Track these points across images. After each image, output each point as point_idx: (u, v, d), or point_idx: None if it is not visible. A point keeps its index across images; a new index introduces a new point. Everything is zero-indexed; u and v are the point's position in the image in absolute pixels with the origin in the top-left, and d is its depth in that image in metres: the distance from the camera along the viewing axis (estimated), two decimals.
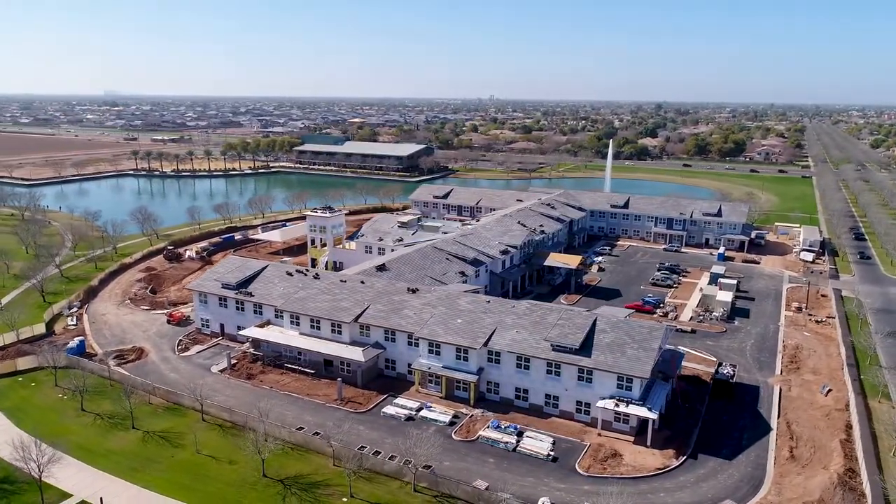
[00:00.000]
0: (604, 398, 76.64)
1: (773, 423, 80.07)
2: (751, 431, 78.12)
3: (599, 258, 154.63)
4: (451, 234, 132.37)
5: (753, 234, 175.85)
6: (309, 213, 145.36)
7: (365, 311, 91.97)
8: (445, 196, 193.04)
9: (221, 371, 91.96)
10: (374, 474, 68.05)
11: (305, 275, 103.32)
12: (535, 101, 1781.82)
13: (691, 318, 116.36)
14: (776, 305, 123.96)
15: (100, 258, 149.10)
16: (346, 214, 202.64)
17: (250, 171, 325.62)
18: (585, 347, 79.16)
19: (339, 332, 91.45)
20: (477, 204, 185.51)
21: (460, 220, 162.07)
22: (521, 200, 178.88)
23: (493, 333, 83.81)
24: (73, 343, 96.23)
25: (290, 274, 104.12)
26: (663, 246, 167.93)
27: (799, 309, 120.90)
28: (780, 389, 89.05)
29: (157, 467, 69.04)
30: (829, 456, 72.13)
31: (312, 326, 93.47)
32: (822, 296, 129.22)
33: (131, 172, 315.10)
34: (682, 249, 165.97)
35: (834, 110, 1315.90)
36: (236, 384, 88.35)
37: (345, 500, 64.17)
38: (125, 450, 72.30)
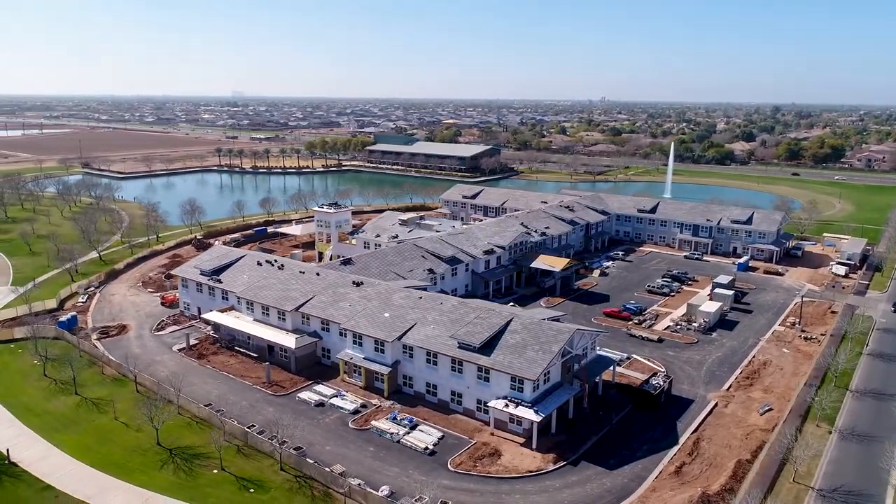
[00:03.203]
0: (499, 398, 76.81)
1: (684, 438, 76.79)
2: (653, 444, 75.42)
3: (609, 263, 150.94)
4: (441, 232, 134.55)
5: (792, 244, 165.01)
6: (316, 209, 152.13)
7: (308, 301, 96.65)
8: (474, 196, 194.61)
9: (180, 350, 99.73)
10: (255, 451, 72.41)
11: (272, 265, 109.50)
12: (647, 103, 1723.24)
13: (668, 327, 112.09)
14: (772, 319, 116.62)
15: (139, 245, 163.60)
16: (381, 212, 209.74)
17: (322, 169, 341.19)
18: (488, 347, 79.48)
19: (284, 320, 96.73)
20: (502, 205, 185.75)
21: (476, 221, 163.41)
22: (545, 202, 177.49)
23: (410, 328, 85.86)
24: (65, 317, 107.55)
25: (259, 264, 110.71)
26: (685, 253, 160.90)
27: (794, 324, 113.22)
28: (716, 405, 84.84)
29: (75, 429, 76.94)
30: (718, 474, 68.69)
31: (263, 313, 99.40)
32: (832, 312, 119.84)
33: (215, 168, 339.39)
34: (705, 258, 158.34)
35: None
36: (186, 362, 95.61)
37: (215, 471, 68.94)
38: (58, 412, 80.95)
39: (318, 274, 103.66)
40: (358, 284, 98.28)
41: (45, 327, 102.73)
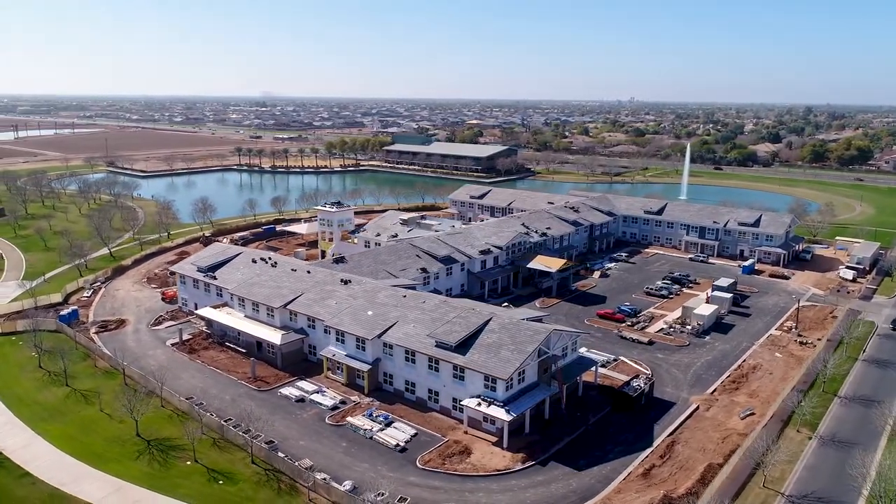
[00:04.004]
0: (473, 397, 77.14)
1: (658, 440, 76.25)
2: (627, 446, 75.02)
3: (611, 264, 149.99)
4: (440, 232, 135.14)
5: (801, 247, 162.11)
6: (319, 208, 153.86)
7: (296, 298, 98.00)
8: (482, 196, 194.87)
9: (173, 345, 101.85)
10: (229, 445, 73.80)
11: (266, 262, 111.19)
12: (676, 104, 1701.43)
13: (660, 329, 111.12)
14: (770, 323, 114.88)
15: (149, 242, 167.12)
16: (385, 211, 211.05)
17: (339, 169, 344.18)
18: (465, 346, 79.85)
19: (273, 317, 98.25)
20: (509, 205, 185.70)
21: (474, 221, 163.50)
22: (552, 203, 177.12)
23: (391, 326, 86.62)
24: (66, 311, 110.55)
25: (254, 261, 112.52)
26: (690, 255, 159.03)
27: (791, 328, 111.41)
28: (696, 408, 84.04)
29: (61, 419, 79.24)
30: (687, 477, 68.13)
31: (254, 310, 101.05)
32: (833, 316, 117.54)
33: (235, 168, 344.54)
34: (711, 260, 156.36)
35: None
36: (177, 357, 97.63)
37: (188, 463, 70.49)
38: (48, 402, 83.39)
39: (308, 272, 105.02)
40: (346, 283, 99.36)
41: (45, 320, 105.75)
